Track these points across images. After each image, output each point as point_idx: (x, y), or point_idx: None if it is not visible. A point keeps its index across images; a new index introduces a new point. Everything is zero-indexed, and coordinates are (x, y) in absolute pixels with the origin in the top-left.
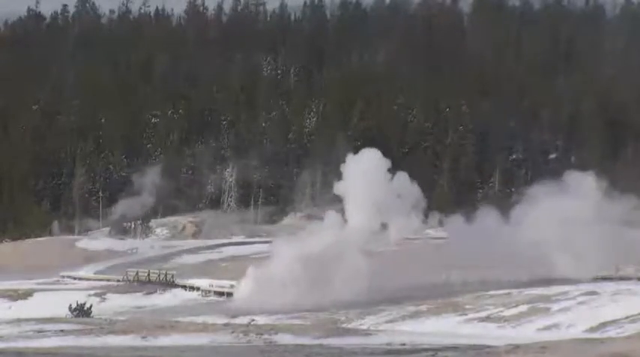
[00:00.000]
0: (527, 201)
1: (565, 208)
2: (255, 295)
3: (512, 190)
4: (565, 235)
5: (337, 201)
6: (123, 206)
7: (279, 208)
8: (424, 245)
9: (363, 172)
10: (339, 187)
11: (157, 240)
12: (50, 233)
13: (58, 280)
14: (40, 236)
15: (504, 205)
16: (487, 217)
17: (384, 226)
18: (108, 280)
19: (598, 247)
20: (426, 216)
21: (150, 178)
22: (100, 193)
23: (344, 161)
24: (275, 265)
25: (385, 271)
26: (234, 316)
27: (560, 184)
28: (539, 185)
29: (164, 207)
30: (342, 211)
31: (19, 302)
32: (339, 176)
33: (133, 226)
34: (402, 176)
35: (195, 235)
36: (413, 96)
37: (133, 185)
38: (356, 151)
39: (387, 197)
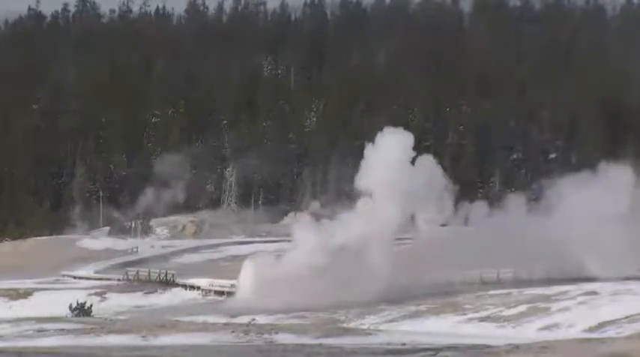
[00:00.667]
0: (557, 194)
1: (596, 203)
2: (256, 293)
3: (513, 189)
4: (595, 231)
5: (339, 200)
6: (147, 200)
7: (279, 207)
8: (452, 238)
9: (387, 156)
10: (361, 178)
11: (157, 239)
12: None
13: (58, 280)
14: (41, 235)
15: (531, 197)
16: (512, 210)
17: (413, 217)
18: (108, 279)
19: (628, 244)
20: (455, 206)
21: (174, 169)
22: (101, 192)
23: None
24: (287, 259)
25: (407, 270)
26: (234, 316)
27: (592, 177)
28: (570, 178)
29: (164, 206)
30: (346, 210)
31: (20, 301)
32: (352, 170)
33: (133, 225)
34: (427, 160)
35: (195, 235)
36: (413, 96)
37: (157, 178)
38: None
39: (413, 184)
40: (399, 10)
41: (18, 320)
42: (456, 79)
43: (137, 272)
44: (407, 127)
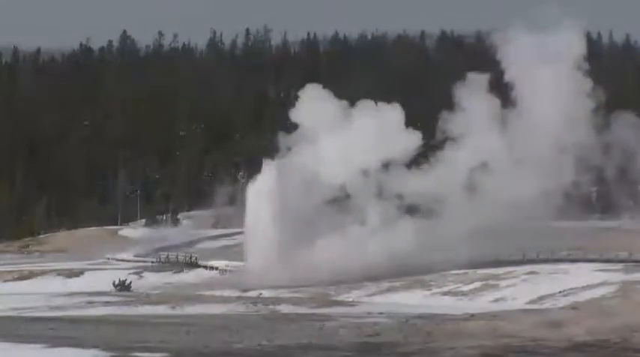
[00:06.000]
0: None
1: None
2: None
3: None
4: None
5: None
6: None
7: None
8: None
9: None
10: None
11: (183, 229)
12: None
13: (105, 262)
14: (90, 226)
15: None
16: None
17: None
18: (144, 261)
19: None
20: None
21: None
22: (138, 191)
23: None
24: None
25: None
26: (245, 290)
27: None
28: None
29: (189, 203)
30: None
31: (73, 279)
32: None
33: (164, 218)
34: None
35: (214, 226)
36: None
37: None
38: None
39: None
40: (376, 50)
41: (72, 294)
42: (425, 108)
43: (167, 255)
44: None
